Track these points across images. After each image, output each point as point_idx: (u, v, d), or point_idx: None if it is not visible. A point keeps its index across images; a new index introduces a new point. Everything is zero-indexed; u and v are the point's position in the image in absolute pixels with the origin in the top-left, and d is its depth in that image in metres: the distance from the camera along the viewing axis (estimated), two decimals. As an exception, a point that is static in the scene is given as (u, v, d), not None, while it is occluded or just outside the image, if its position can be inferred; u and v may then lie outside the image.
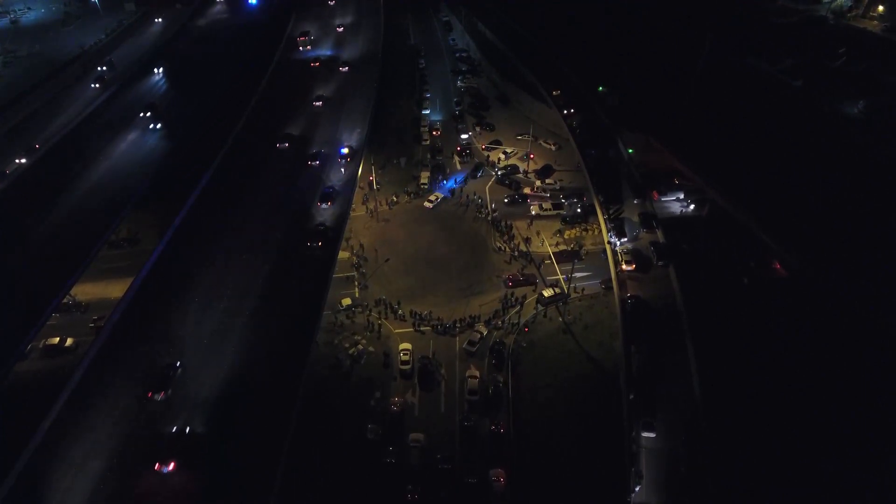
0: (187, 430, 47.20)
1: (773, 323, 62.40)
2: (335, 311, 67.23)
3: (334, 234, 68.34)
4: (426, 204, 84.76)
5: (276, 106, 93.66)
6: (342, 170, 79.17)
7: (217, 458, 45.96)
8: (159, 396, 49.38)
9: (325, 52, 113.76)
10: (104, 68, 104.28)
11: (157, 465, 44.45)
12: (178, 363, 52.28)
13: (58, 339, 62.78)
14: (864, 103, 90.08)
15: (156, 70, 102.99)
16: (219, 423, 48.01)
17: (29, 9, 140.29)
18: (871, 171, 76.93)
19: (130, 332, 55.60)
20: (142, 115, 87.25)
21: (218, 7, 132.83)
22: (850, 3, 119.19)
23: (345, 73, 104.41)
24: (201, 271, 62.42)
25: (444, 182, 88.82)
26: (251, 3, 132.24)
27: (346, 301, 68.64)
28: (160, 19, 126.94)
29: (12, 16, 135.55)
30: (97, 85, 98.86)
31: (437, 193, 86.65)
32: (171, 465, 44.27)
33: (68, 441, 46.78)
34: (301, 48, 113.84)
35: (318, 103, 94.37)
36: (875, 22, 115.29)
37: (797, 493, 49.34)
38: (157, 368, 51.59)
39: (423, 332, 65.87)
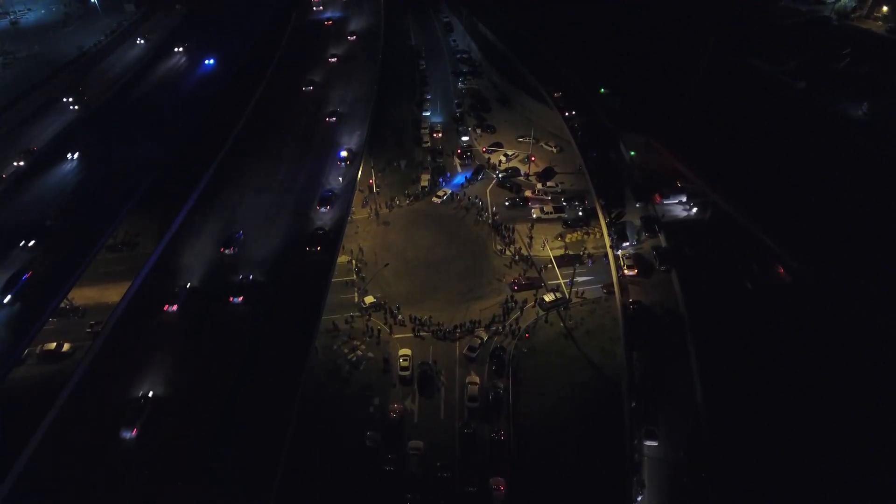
0: (250, 276, 62.53)
1: (777, 328, 61.74)
2: (359, 310, 67.73)
3: (333, 238, 67.80)
4: (434, 199, 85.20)
5: (298, 58, 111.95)
6: (340, 179, 78.34)
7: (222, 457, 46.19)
8: (229, 251, 64.32)
9: (336, 13, 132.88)
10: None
11: (230, 297, 58.97)
12: (241, 232, 67.71)
13: (55, 344, 62.37)
14: (868, 105, 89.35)
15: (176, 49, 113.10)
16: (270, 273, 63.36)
17: (29, 10, 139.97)
18: (875, 174, 76.26)
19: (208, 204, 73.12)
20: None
21: None
22: (853, 4, 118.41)
23: (352, 40, 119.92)
24: (256, 160, 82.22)
25: (454, 178, 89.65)
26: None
27: (370, 299, 68.58)
28: (141, 40, 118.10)
29: (12, 17, 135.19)
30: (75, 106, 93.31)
31: (445, 189, 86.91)
32: (241, 298, 59.78)
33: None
34: (315, 8, 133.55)
35: (332, 59, 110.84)
36: (879, 23, 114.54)
37: (799, 502, 48.78)
38: (226, 234, 68.08)
39: (422, 338, 65.31)
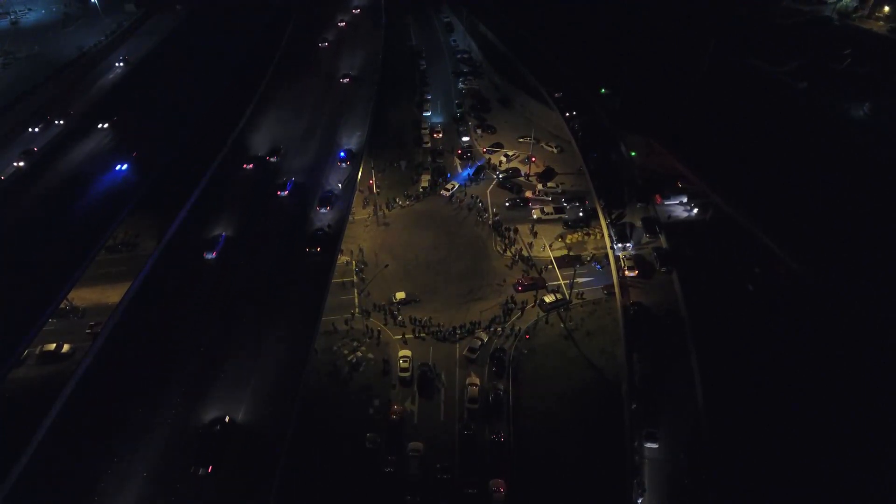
0: (292, 178, 77.56)
1: (778, 329, 61.57)
2: (389, 305, 68.26)
3: (333, 239, 67.67)
4: (443, 192, 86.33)
5: (311, 24, 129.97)
6: (339, 184, 78.17)
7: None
8: (273, 159, 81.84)
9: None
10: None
11: (277, 191, 74.75)
12: (281, 147, 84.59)
13: (55, 344, 62.27)
14: (870, 105, 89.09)
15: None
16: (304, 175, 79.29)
17: (29, 10, 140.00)
18: (876, 174, 76.02)
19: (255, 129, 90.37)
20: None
21: None
22: (855, 4, 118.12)
23: (356, 13, 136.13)
24: (289, 97, 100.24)
25: (461, 171, 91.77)
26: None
27: (401, 294, 68.80)
28: (122, 60, 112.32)
29: (12, 17, 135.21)
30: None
31: (453, 182, 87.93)
32: (286, 191, 75.04)
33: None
34: None
35: (341, 24, 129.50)
36: (881, 23, 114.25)
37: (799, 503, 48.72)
38: (271, 147, 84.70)
39: (423, 339, 65.17)
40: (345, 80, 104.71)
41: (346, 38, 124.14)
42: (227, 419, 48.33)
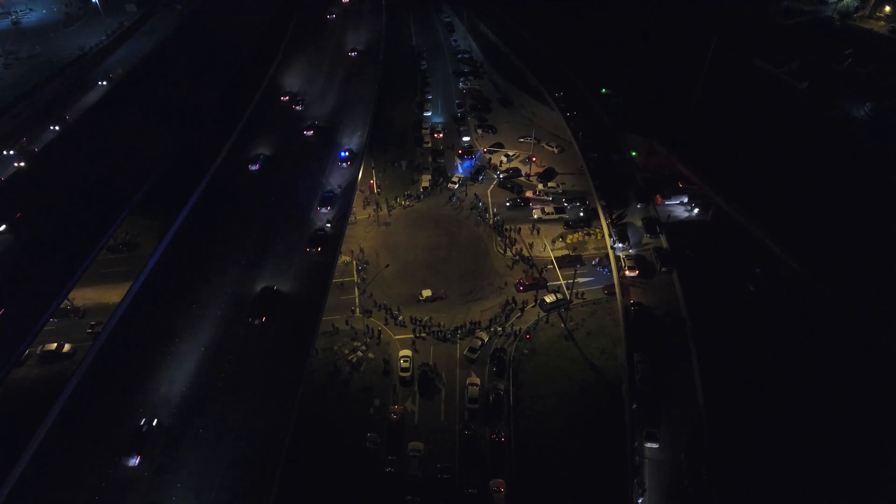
0: (315, 122, 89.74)
1: (779, 330, 61.58)
2: (416, 302, 69.30)
3: (334, 239, 67.68)
4: (450, 185, 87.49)
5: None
6: (339, 184, 78.12)
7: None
8: (298, 108, 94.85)
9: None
10: None
11: (304, 131, 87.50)
12: (303, 98, 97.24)
13: (55, 344, 62.38)
14: (871, 106, 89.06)
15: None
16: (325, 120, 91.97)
17: (30, 10, 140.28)
18: (878, 174, 75.94)
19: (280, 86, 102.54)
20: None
21: None
22: (856, 4, 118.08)
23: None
24: (306, 61, 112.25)
25: (463, 162, 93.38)
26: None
27: (427, 292, 69.37)
28: (103, 82, 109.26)
29: (13, 17, 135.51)
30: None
31: (458, 175, 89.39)
32: (312, 132, 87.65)
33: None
34: None
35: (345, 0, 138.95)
36: (882, 23, 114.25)
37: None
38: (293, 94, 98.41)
39: (423, 339, 65.19)
40: (353, 54, 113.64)
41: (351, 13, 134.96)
42: (274, 287, 60.50)
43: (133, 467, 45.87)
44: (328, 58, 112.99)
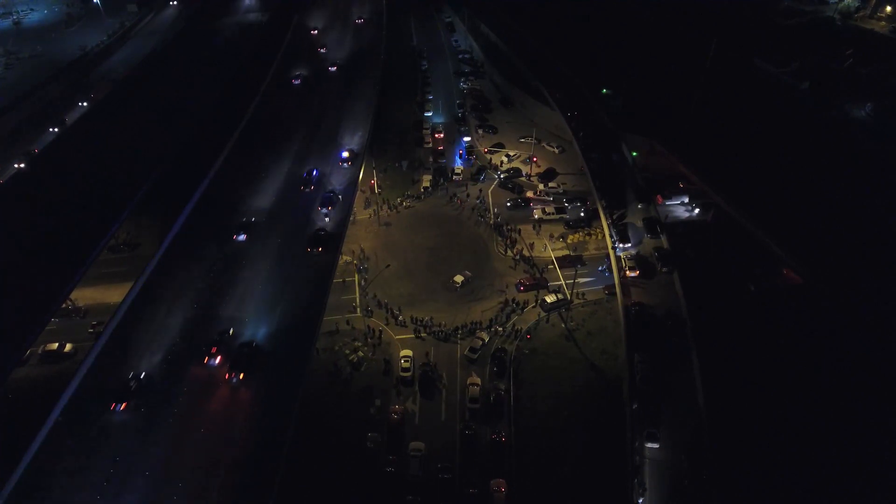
0: (336, 61, 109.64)
1: (779, 330, 61.59)
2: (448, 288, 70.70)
3: (335, 240, 67.73)
4: (454, 178, 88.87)
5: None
6: (340, 184, 78.38)
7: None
8: (322, 50, 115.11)
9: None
10: None
11: (328, 67, 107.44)
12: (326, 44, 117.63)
13: (57, 344, 62.45)
14: (872, 106, 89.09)
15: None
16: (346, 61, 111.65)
17: (32, 10, 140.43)
18: (878, 175, 75.97)
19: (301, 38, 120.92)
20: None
21: None
22: (857, 4, 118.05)
23: None
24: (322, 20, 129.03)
25: (459, 154, 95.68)
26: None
27: (459, 278, 70.90)
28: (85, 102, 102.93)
29: (15, 17, 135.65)
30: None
31: (459, 167, 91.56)
32: (335, 68, 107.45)
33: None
34: None
35: None
36: (883, 23, 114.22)
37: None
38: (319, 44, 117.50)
39: (423, 339, 65.26)
40: (359, 21, 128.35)
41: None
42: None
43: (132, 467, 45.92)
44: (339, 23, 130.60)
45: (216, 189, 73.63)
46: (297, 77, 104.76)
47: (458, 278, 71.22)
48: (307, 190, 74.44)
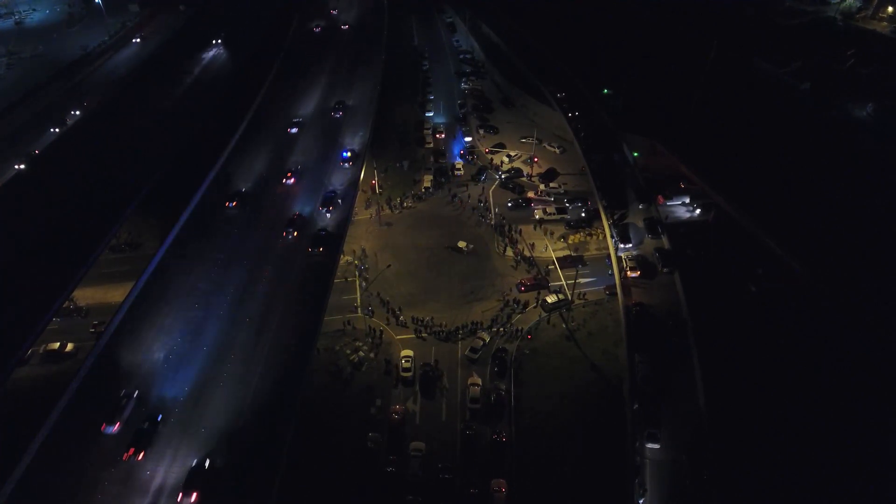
0: (346, 22, 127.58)
1: (780, 331, 61.54)
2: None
3: (336, 240, 67.77)
4: (455, 173, 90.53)
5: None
6: (341, 184, 78.23)
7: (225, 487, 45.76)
8: (334, 12, 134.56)
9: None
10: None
11: (341, 26, 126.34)
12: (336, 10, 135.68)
13: (58, 344, 62.53)
14: (873, 106, 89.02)
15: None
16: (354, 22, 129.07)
17: (33, 10, 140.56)
18: (880, 175, 75.92)
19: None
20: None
21: None
22: (858, 5, 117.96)
23: None
24: None
25: (460, 154, 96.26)
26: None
27: (463, 244, 75.73)
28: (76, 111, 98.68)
29: (16, 17, 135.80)
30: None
31: (458, 162, 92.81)
32: (346, 26, 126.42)
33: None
34: None
35: None
36: (884, 23, 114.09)
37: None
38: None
39: (424, 339, 65.28)
40: None
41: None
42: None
43: (132, 466, 45.86)
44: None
45: (270, 101, 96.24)
46: (317, 27, 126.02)
47: (462, 244, 76.03)
48: (336, 115, 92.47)
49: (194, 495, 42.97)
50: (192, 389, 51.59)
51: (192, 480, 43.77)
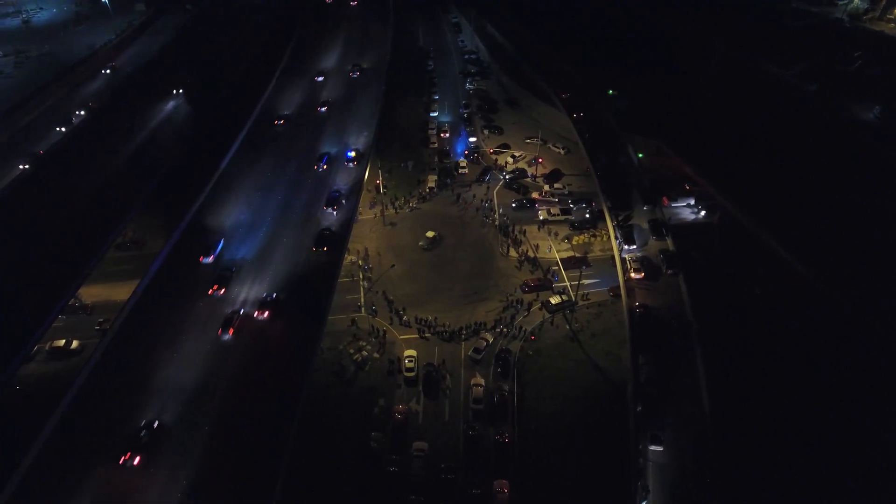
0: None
1: (785, 334, 61.29)
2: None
3: (340, 240, 67.88)
4: (460, 171, 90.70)
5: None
6: (345, 184, 78.42)
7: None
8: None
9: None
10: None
11: (350, 2, 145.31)
12: None
13: (63, 341, 62.85)
14: (880, 108, 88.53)
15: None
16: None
17: (41, 8, 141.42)
18: (887, 177, 75.47)
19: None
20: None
21: None
22: (866, 6, 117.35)
23: None
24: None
25: (464, 154, 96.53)
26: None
27: (431, 234, 77.14)
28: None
29: (24, 15, 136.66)
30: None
31: (462, 161, 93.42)
32: (355, 2, 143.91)
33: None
34: None
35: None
36: (892, 25, 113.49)
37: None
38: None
39: (427, 339, 65.32)
40: None
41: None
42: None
43: (135, 466, 46.09)
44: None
45: (297, 55, 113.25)
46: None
47: (430, 234, 76.61)
48: (353, 76, 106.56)
49: (266, 313, 57.64)
50: (193, 388, 51.92)
51: (264, 304, 58.24)
